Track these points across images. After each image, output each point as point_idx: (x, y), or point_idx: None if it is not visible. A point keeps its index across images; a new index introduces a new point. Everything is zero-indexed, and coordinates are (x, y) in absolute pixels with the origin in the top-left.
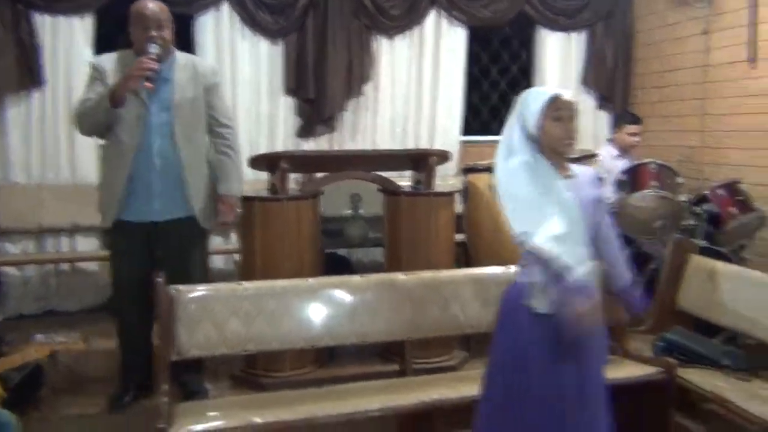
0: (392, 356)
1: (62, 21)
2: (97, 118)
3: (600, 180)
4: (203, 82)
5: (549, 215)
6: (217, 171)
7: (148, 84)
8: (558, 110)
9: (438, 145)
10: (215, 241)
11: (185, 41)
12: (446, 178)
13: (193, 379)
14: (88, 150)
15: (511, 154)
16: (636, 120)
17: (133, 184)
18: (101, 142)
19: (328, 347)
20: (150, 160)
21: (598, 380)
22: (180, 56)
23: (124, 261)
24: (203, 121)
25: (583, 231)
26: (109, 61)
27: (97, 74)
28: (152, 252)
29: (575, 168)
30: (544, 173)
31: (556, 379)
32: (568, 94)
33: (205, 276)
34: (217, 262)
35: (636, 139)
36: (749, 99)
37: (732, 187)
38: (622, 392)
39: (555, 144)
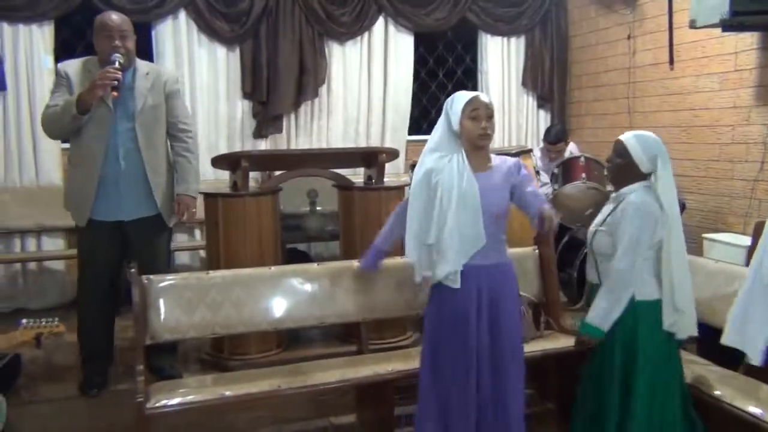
0: (350, 338)
1: (22, 29)
2: (63, 124)
3: (537, 173)
4: (165, 89)
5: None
6: (175, 172)
7: (114, 92)
8: (475, 110)
9: (388, 144)
10: (181, 239)
11: (144, 49)
12: (399, 175)
13: (167, 362)
14: (50, 153)
15: (434, 150)
16: (558, 140)
17: (103, 186)
18: (67, 145)
19: (291, 331)
20: (117, 164)
21: (508, 342)
22: (142, 65)
23: (94, 257)
24: (164, 126)
25: (478, 213)
26: (73, 67)
27: (62, 80)
28: (119, 249)
29: (496, 159)
30: (455, 168)
31: (464, 344)
32: (484, 97)
33: (168, 267)
34: (183, 258)
35: (553, 155)
36: (669, 97)
37: None
38: (557, 360)
39: (472, 138)
